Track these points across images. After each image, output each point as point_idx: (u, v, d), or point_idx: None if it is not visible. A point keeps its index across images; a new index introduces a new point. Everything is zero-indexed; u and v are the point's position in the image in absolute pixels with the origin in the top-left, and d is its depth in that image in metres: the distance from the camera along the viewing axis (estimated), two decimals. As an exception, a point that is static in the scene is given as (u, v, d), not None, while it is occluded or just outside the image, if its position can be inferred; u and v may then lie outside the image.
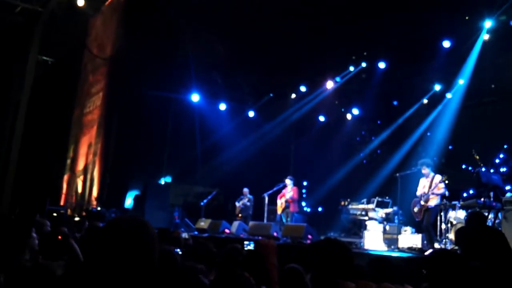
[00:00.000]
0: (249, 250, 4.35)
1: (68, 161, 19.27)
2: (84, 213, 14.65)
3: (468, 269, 2.79)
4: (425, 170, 9.30)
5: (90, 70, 19.25)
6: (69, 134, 19.44)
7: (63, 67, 17.79)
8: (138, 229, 1.82)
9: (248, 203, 13.80)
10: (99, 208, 14.64)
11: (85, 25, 18.85)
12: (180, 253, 4.60)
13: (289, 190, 12.60)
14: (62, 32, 16.33)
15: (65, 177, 19.08)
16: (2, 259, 3.80)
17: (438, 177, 9.10)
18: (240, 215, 13.68)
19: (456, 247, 6.88)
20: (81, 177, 17.92)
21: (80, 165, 18.33)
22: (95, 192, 16.60)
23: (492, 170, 10.61)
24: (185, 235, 7.25)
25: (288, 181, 12.70)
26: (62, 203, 17.58)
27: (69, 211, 16.36)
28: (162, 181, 16.48)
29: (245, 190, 13.96)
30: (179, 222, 14.10)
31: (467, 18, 11.69)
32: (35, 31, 15.18)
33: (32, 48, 15.27)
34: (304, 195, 16.63)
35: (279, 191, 12.86)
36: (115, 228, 1.83)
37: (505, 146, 12.55)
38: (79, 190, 17.85)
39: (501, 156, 12.52)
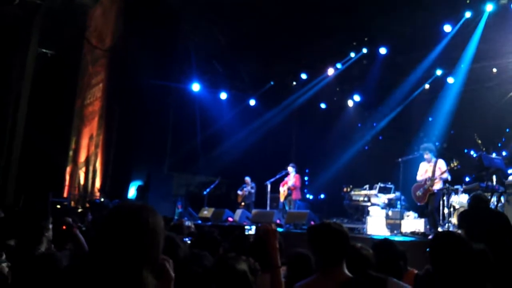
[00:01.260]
0: (251, 235, 4.37)
1: (70, 153, 19.32)
2: (87, 205, 14.71)
3: (472, 250, 2.80)
4: (427, 155, 9.28)
5: (90, 61, 19.22)
6: (70, 126, 19.46)
7: (63, 59, 17.75)
8: (142, 216, 1.80)
9: (252, 190, 13.84)
10: (102, 199, 14.69)
11: (84, 16, 18.80)
12: (189, 242, 4.63)
13: (292, 178, 12.60)
14: (61, 24, 16.29)
15: (68, 169, 19.15)
16: (18, 250, 3.84)
17: (442, 162, 9.10)
18: (243, 203, 13.72)
19: (459, 231, 6.89)
20: (83, 169, 17.97)
21: (82, 156, 18.38)
22: (98, 184, 16.66)
23: (494, 154, 10.59)
24: (188, 223, 7.29)
25: (290, 169, 12.70)
26: (65, 195, 17.65)
27: (72, 203, 16.42)
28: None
29: (247, 178, 13.98)
30: (182, 212, 14.15)
31: (468, 1, 11.61)
32: (34, 24, 15.16)
33: (31, 40, 15.25)
34: (306, 183, 16.64)
35: (281, 179, 12.87)
36: (119, 215, 1.82)
37: (507, 130, 12.53)
38: (82, 181, 17.92)
39: (503, 140, 12.50)
